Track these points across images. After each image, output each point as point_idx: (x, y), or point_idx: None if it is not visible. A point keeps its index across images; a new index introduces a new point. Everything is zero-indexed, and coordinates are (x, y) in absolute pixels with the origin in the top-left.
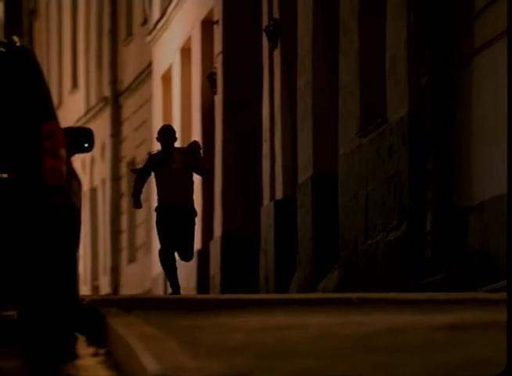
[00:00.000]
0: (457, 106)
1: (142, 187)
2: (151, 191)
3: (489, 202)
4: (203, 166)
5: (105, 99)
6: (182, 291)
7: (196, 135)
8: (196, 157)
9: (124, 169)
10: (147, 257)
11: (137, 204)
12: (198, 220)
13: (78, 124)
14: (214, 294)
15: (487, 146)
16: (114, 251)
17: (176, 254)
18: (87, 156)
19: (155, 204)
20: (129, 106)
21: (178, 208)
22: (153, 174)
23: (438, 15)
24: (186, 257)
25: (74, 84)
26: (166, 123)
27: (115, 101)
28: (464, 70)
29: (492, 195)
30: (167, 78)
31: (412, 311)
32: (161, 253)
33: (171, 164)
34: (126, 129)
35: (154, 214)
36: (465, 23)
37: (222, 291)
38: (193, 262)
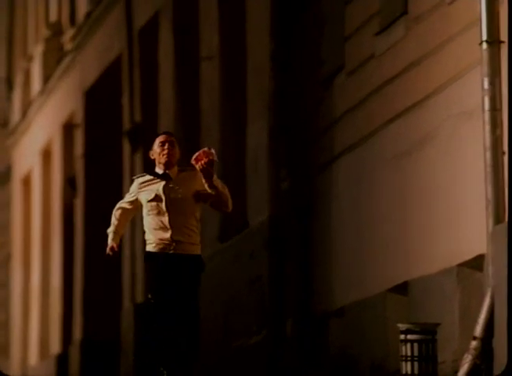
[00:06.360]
0: (317, 211)
1: (121, 226)
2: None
3: (350, 307)
4: (223, 196)
5: None
6: None
7: (56, 239)
8: (208, 181)
9: None
10: (3, 359)
11: (112, 250)
12: (55, 323)
13: None
14: None
15: (346, 250)
16: None
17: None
18: None
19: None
20: None
21: (178, 256)
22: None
23: (300, 118)
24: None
25: None
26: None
27: None
28: (325, 175)
29: (352, 299)
30: (27, 181)
31: None
32: (152, 329)
33: (170, 191)
34: None
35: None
36: (326, 127)
37: None
38: (51, 367)
